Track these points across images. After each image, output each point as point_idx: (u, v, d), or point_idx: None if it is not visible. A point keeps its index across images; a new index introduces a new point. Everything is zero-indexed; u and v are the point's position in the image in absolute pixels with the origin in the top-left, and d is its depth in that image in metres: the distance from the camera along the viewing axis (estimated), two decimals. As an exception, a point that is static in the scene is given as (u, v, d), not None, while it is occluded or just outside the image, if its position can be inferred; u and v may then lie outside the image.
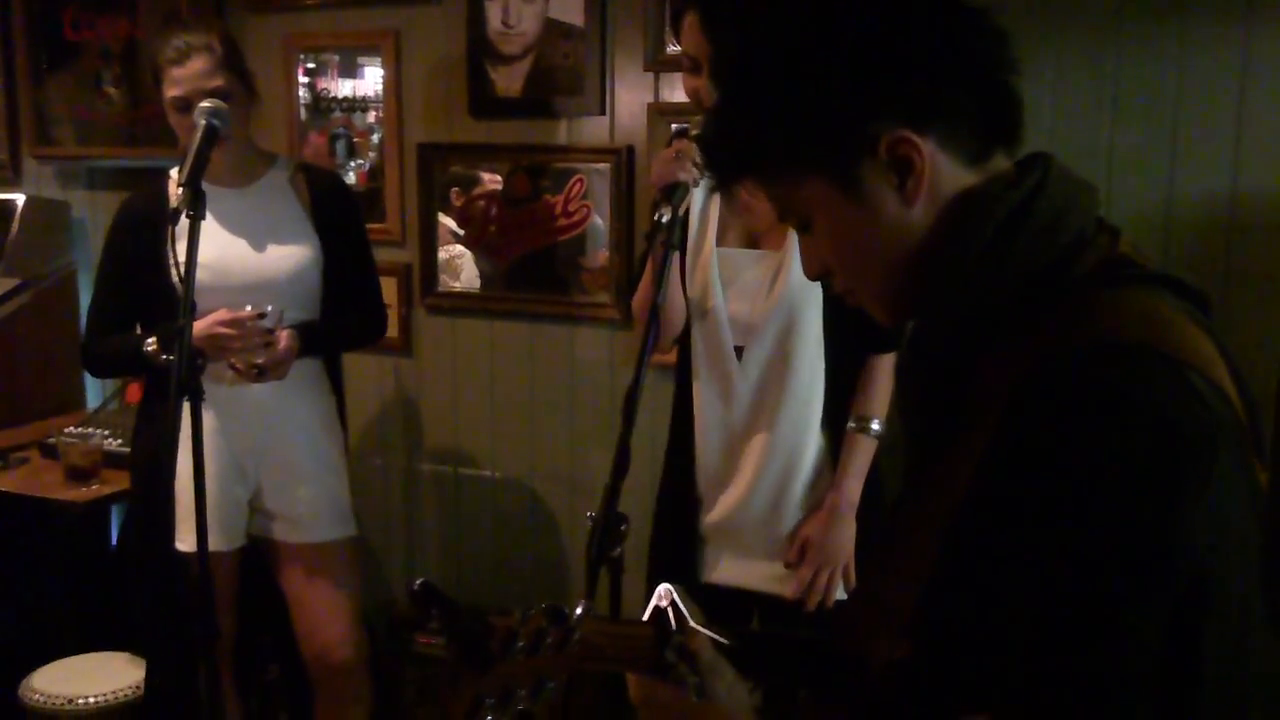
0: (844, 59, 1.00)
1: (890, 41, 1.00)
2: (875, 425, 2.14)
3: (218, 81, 2.41)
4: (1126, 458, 0.86)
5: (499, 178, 3.28)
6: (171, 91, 2.42)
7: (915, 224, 1.02)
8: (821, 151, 1.02)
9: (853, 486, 2.13)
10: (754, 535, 2.20)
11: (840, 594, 2.14)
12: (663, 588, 1.16)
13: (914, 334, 1.10)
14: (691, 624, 1.12)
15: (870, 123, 1.00)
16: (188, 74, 2.40)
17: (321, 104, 3.48)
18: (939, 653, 0.98)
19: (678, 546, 2.28)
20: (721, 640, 1.14)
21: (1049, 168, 1.02)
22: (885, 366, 2.15)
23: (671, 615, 1.13)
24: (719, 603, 2.19)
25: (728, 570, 2.24)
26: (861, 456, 2.14)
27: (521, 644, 1.07)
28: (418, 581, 1.07)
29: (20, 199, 3.67)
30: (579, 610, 1.09)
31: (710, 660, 1.11)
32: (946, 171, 1.01)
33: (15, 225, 3.62)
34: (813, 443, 2.16)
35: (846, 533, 2.13)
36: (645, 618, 1.17)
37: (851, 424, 2.14)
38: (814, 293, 2.10)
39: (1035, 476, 0.88)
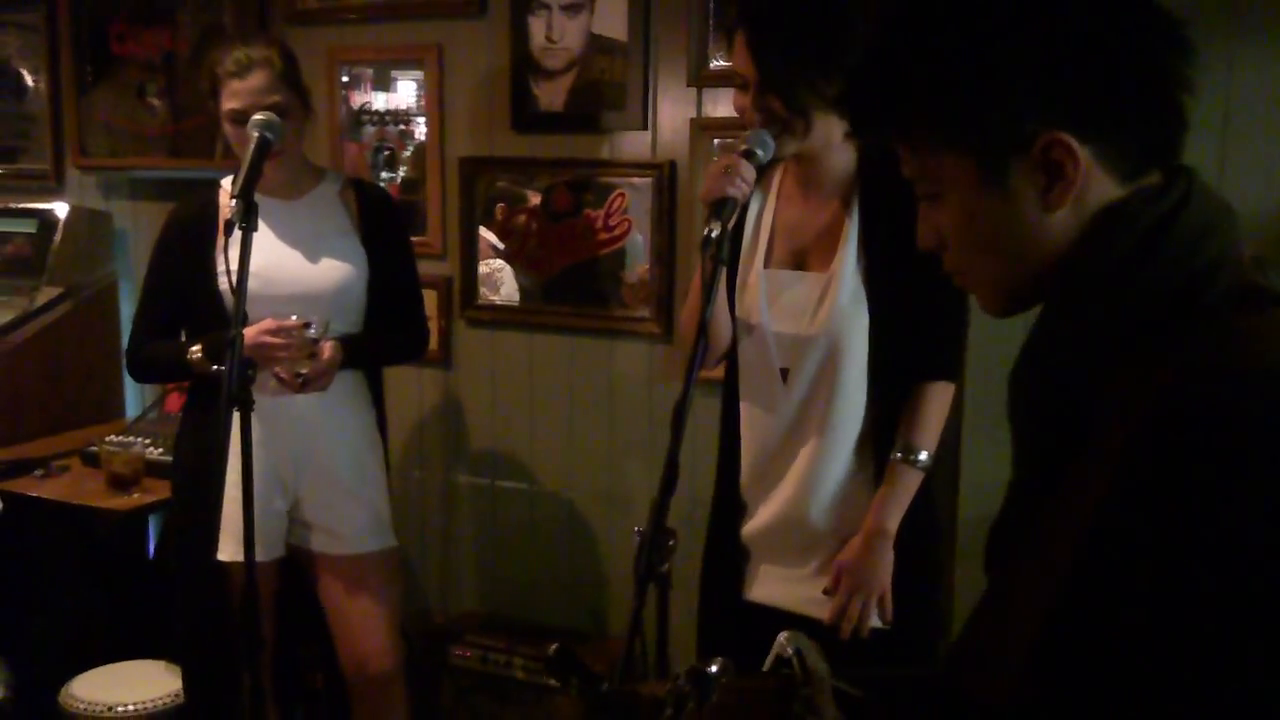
0: (1026, 47, 0.95)
1: (1077, 40, 0.95)
2: (922, 456, 2.09)
3: (276, 97, 2.44)
4: (1270, 488, 0.82)
5: (541, 194, 3.29)
6: (230, 104, 2.44)
7: (1053, 229, 0.99)
8: (974, 134, 0.98)
9: (891, 515, 2.09)
10: (790, 552, 2.19)
11: (876, 622, 2.11)
12: (784, 635, 1.15)
13: (1030, 343, 1.05)
14: (817, 675, 1.11)
15: (1032, 119, 0.96)
16: (247, 88, 2.42)
17: (361, 117, 3.50)
18: (1066, 695, 0.93)
19: (724, 558, 2.27)
20: (851, 691, 1.12)
21: (1193, 184, 0.98)
22: (937, 396, 2.10)
23: (796, 665, 1.12)
24: (758, 622, 2.19)
25: (767, 589, 2.23)
26: (903, 487, 2.09)
27: (669, 712, 1.08)
28: (553, 647, 1.08)
29: (63, 209, 3.71)
30: (713, 668, 1.09)
31: (835, 717, 1.10)
32: (1097, 183, 0.98)
33: (58, 235, 3.66)
34: (855, 465, 2.14)
35: (882, 562, 2.09)
36: (767, 666, 1.15)
37: (897, 453, 2.09)
38: (860, 316, 2.08)
39: (1171, 509, 0.85)
